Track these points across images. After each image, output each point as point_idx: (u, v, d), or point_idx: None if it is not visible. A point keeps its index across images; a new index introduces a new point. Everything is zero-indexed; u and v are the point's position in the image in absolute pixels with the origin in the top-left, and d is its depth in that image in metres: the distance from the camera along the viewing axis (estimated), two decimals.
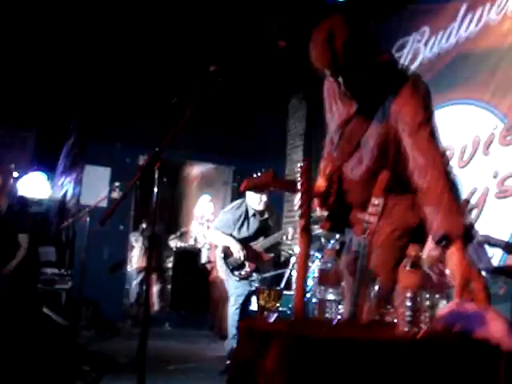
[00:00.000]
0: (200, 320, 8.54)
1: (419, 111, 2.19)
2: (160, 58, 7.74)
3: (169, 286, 9.57)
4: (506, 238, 4.94)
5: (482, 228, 5.34)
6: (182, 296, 9.07)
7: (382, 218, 1.92)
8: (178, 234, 10.99)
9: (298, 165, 2.11)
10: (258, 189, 2.60)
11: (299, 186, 2.09)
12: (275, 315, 1.92)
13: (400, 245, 2.24)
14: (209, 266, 8.77)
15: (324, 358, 1.57)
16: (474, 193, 5.58)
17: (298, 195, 2.16)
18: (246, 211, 5.45)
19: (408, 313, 1.72)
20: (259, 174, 2.60)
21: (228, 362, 4.87)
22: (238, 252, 5.31)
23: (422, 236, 2.18)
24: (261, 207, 5.41)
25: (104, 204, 6.54)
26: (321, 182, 2.47)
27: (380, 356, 1.61)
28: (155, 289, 9.53)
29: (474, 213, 5.54)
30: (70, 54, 7.72)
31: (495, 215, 5.32)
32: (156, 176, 2.77)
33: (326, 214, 2.47)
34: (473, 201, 5.57)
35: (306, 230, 2.04)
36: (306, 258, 2.05)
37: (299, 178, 2.10)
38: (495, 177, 5.35)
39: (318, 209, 2.49)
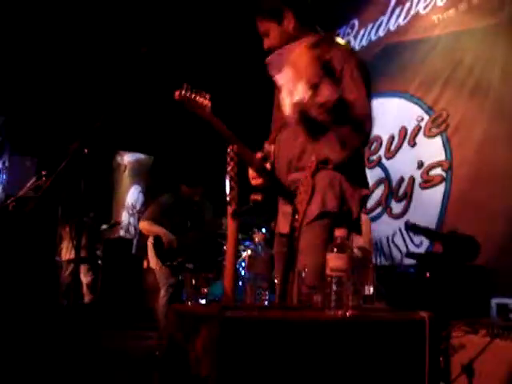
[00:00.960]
0: (134, 311, 8.44)
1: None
2: (87, 45, 7.58)
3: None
4: (432, 226, 5.10)
5: (410, 217, 5.52)
6: (114, 287, 8.93)
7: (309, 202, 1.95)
8: (109, 224, 10.79)
9: (228, 150, 2.11)
10: (191, 105, 2.41)
11: (228, 172, 2.10)
12: (204, 300, 1.93)
13: (323, 226, 2.30)
14: (140, 257, 8.66)
15: (253, 338, 1.59)
16: (401, 182, 5.74)
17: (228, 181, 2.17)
18: (178, 201, 5.42)
19: (334, 296, 1.76)
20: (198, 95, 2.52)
21: (157, 352, 4.84)
22: (168, 241, 5.27)
23: (346, 220, 2.25)
24: (191, 199, 5.40)
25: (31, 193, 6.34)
26: (258, 154, 2.54)
27: (308, 336, 1.64)
28: (86, 280, 9.31)
29: (403, 203, 5.70)
30: None
31: (421, 204, 5.49)
32: (85, 163, 2.71)
33: (259, 183, 2.51)
34: (401, 190, 5.74)
35: (235, 216, 2.05)
36: (234, 244, 2.06)
37: (228, 164, 2.10)
38: (420, 167, 5.52)
39: (252, 179, 2.52)
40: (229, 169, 2.10)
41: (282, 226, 2.48)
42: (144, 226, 5.63)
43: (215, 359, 1.58)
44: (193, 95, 2.45)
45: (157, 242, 5.36)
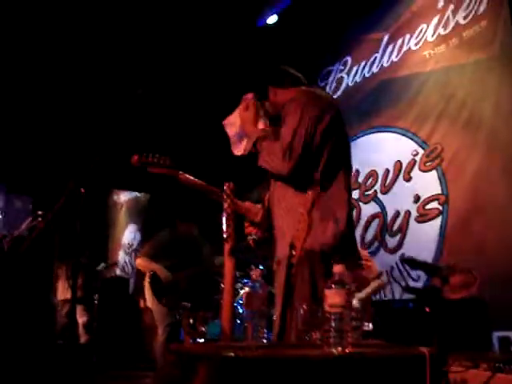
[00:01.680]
0: (131, 351, 8.33)
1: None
2: (82, 85, 7.64)
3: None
4: (428, 260, 5.08)
5: (407, 251, 5.51)
6: (110, 326, 8.82)
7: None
8: (107, 264, 10.72)
9: (224, 187, 2.12)
10: (151, 165, 2.67)
11: (224, 209, 2.10)
12: (202, 339, 1.90)
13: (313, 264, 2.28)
14: (136, 297, 8.59)
15: (251, 378, 1.56)
16: (397, 217, 5.74)
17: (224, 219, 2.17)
18: (175, 238, 5.39)
19: (333, 332, 1.74)
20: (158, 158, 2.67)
21: None
22: (165, 277, 5.23)
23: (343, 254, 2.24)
24: (187, 235, 5.38)
25: (26, 233, 6.32)
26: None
27: (307, 373, 1.62)
28: (81, 320, 9.19)
29: (398, 236, 5.70)
30: None
31: (417, 238, 5.48)
32: (81, 202, 2.72)
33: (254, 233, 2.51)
34: (396, 225, 5.74)
35: (232, 253, 2.04)
36: (232, 281, 2.04)
37: (224, 201, 2.10)
38: (416, 201, 5.53)
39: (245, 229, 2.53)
40: (225, 206, 2.10)
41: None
42: (140, 262, 5.59)
43: None
44: (150, 158, 2.64)
45: (153, 279, 5.32)
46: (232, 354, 1.59)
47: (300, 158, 2.36)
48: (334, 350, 1.72)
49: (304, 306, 1.90)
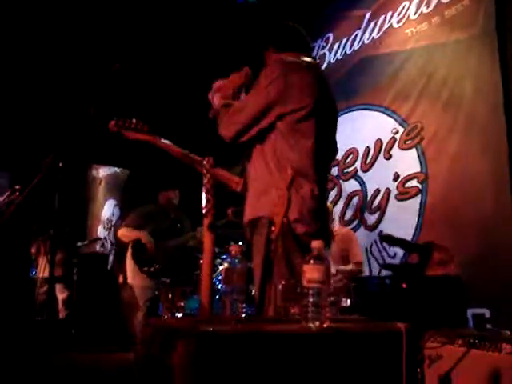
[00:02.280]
0: (110, 326, 8.32)
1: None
2: (60, 58, 7.54)
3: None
4: (407, 238, 5.13)
5: (385, 229, 5.55)
6: (89, 302, 8.80)
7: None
8: (87, 241, 10.66)
9: (203, 162, 2.11)
10: (128, 130, 2.62)
11: (204, 185, 2.09)
12: (181, 313, 1.91)
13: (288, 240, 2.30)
14: (115, 272, 8.57)
15: (229, 352, 1.57)
16: (376, 195, 5.78)
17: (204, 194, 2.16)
18: (157, 210, 5.40)
19: (311, 307, 1.75)
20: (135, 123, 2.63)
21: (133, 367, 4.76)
22: (149, 242, 5.22)
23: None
24: (170, 207, 5.39)
25: (4, 208, 6.26)
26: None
27: (285, 348, 1.63)
28: (61, 296, 9.18)
29: (377, 214, 5.74)
30: None
31: (397, 216, 5.53)
32: (59, 177, 2.69)
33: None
34: (375, 202, 5.77)
35: (211, 228, 2.03)
36: (211, 256, 2.05)
37: (204, 176, 2.10)
38: (396, 179, 5.56)
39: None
40: (205, 181, 2.09)
41: None
42: (123, 232, 5.57)
43: (191, 374, 1.57)
44: (127, 123, 2.59)
45: (136, 247, 5.31)
46: (210, 329, 1.60)
47: (244, 131, 2.45)
48: (311, 325, 1.74)
49: (283, 281, 1.91)
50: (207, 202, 2.06)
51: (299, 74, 2.49)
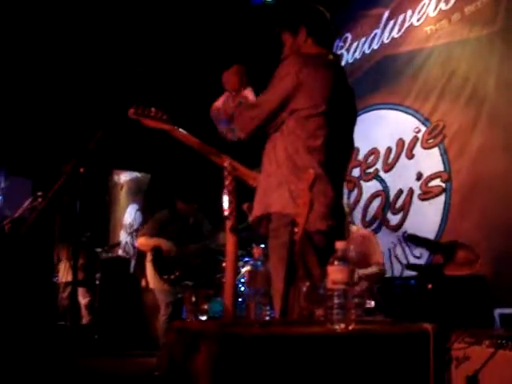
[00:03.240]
0: (133, 331, 8.35)
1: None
2: (82, 64, 7.59)
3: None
4: (431, 238, 5.07)
5: (409, 229, 5.50)
6: (112, 307, 8.85)
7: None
8: (109, 246, 10.72)
9: (224, 164, 2.09)
10: (147, 118, 2.59)
11: (225, 187, 2.07)
12: (205, 316, 1.89)
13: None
14: (138, 277, 8.60)
15: (253, 355, 1.55)
16: (400, 195, 5.72)
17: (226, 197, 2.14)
18: (175, 216, 5.39)
19: (336, 309, 1.72)
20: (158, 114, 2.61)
21: (157, 372, 4.76)
22: (168, 249, 5.22)
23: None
24: (188, 213, 5.38)
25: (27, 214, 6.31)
26: None
27: (310, 351, 1.61)
28: (84, 301, 9.23)
29: (400, 215, 5.69)
30: None
31: (420, 216, 5.47)
32: (80, 183, 2.69)
33: None
34: (399, 203, 5.72)
35: (233, 230, 2.01)
36: (234, 258, 2.03)
37: (225, 178, 2.08)
38: (419, 179, 5.50)
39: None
40: (226, 183, 2.07)
41: None
42: (142, 241, 5.58)
43: (215, 376, 1.55)
44: (146, 111, 2.56)
45: (156, 255, 5.30)
46: (234, 331, 1.58)
47: (263, 126, 2.46)
48: (337, 327, 1.71)
49: (307, 283, 1.89)
50: (229, 203, 2.04)
51: (315, 71, 2.47)
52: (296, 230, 1.92)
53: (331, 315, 1.72)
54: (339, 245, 1.76)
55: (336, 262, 1.74)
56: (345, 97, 2.61)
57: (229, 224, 2.03)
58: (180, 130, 2.65)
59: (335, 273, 1.73)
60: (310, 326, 1.83)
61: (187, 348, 1.74)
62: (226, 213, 2.05)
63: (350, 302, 1.75)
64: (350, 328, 1.72)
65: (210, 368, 1.58)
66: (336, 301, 1.72)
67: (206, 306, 1.93)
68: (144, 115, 2.65)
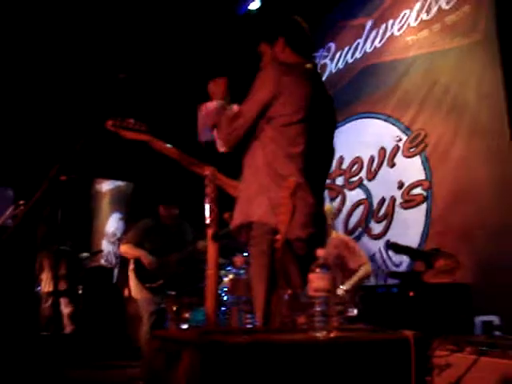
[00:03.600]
0: (116, 340, 8.29)
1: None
2: (63, 73, 7.56)
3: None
4: (414, 246, 5.10)
5: (392, 237, 5.53)
6: (95, 316, 8.78)
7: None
8: (91, 252, 10.65)
9: (205, 173, 2.09)
10: (125, 129, 2.57)
11: (207, 195, 2.07)
12: (186, 325, 1.89)
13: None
14: (120, 286, 8.55)
15: (235, 362, 1.54)
16: (382, 203, 5.75)
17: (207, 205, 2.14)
18: (158, 224, 5.38)
19: (318, 317, 1.73)
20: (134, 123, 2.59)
21: (140, 382, 4.73)
22: (149, 263, 5.21)
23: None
24: (170, 220, 5.37)
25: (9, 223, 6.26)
26: None
27: (292, 358, 1.61)
28: (66, 311, 9.15)
29: (383, 223, 5.71)
30: None
31: (403, 224, 5.50)
32: (62, 191, 2.68)
33: None
34: (381, 211, 5.74)
35: (215, 238, 2.01)
36: (215, 266, 2.02)
37: (207, 186, 2.08)
38: (400, 187, 5.54)
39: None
40: (208, 191, 2.07)
41: None
42: (124, 249, 5.56)
43: None
44: (124, 122, 2.55)
45: (137, 265, 5.29)
46: (216, 339, 1.58)
47: (242, 137, 2.47)
48: (319, 335, 1.71)
49: (289, 291, 1.89)
50: (211, 212, 2.04)
51: (293, 79, 2.49)
52: (277, 237, 1.92)
53: (313, 323, 1.73)
54: (320, 252, 1.77)
55: (317, 270, 1.75)
56: (324, 105, 2.63)
57: (210, 232, 2.03)
58: (158, 141, 2.65)
59: (317, 280, 1.74)
60: (292, 333, 1.83)
61: (168, 357, 1.74)
62: (207, 221, 2.05)
63: (332, 309, 1.76)
64: (332, 335, 1.72)
65: (192, 376, 1.57)
66: (318, 308, 1.73)
67: (187, 315, 1.92)
68: (122, 127, 2.64)
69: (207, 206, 2.08)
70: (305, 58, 2.73)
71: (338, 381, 1.65)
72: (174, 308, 1.93)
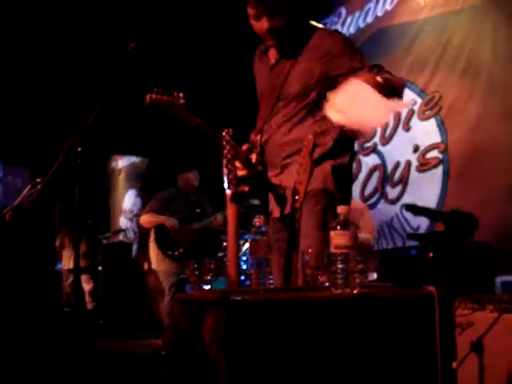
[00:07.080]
0: (137, 314, 8.39)
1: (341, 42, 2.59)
2: (75, 48, 7.53)
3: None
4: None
5: (408, 201, 5.50)
6: (116, 291, 8.88)
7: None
8: (109, 234, 10.74)
9: (223, 133, 2.07)
10: (164, 107, 2.27)
11: (224, 155, 2.06)
12: (208, 285, 1.90)
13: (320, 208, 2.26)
14: (140, 260, 8.63)
15: (260, 321, 1.55)
16: (397, 167, 5.72)
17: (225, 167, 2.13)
18: (177, 194, 5.41)
19: (340, 274, 1.72)
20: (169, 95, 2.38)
21: (163, 352, 4.78)
22: (172, 225, 5.22)
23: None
24: (190, 189, 5.40)
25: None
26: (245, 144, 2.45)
27: (315, 316, 1.61)
28: (87, 288, 9.27)
29: (399, 187, 5.69)
30: None
31: (419, 188, 5.47)
32: (79, 162, 2.67)
33: (245, 174, 2.37)
34: (396, 176, 5.72)
35: (234, 200, 2.01)
36: (235, 228, 2.03)
37: (224, 147, 2.07)
38: (416, 151, 5.50)
39: (238, 171, 2.37)
40: (225, 152, 2.06)
41: (276, 210, 2.42)
42: (145, 218, 5.56)
43: (223, 344, 1.55)
44: (164, 97, 2.32)
45: (159, 232, 5.31)
46: (239, 298, 1.58)
47: None
48: (341, 292, 1.71)
49: (309, 250, 1.89)
50: (229, 172, 2.03)
51: None
52: (297, 197, 1.92)
53: (335, 280, 1.73)
54: (341, 209, 1.76)
55: (338, 227, 1.74)
56: None
57: (229, 192, 2.02)
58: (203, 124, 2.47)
59: (338, 237, 1.73)
60: (314, 291, 1.83)
61: (193, 318, 1.75)
62: (225, 181, 2.04)
63: (354, 266, 1.75)
64: (355, 292, 1.72)
65: (216, 335, 1.58)
66: (339, 265, 1.72)
67: (209, 277, 1.93)
68: (161, 102, 2.36)
69: (224, 167, 2.07)
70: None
71: (361, 337, 1.65)
72: (195, 270, 1.93)
